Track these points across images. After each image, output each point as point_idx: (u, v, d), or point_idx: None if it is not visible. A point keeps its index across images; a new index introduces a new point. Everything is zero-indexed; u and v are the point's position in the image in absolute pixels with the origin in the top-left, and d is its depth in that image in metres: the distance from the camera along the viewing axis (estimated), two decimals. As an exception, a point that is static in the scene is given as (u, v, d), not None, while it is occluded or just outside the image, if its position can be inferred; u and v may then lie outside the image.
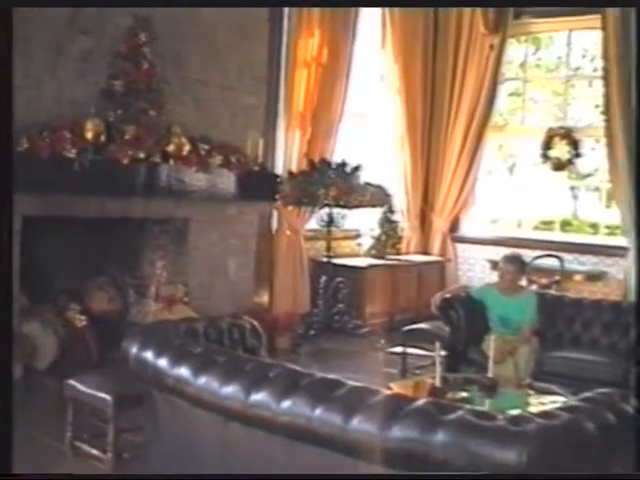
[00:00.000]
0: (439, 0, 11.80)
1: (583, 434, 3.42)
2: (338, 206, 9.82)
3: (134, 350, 4.67)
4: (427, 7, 12.39)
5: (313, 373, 4.01)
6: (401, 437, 3.38)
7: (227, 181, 8.52)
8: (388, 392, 3.80)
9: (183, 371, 4.28)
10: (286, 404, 3.74)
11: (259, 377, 3.98)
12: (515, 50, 13.88)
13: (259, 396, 3.86)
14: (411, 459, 3.38)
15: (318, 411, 3.62)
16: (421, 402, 3.54)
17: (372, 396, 3.62)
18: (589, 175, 16.59)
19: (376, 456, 3.47)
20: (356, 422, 3.49)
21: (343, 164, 9.81)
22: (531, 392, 6.36)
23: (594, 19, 11.53)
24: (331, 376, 4.00)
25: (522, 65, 13.89)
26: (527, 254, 10.90)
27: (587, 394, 3.86)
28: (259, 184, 8.94)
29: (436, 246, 12.84)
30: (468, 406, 3.84)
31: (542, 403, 5.75)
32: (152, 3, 7.99)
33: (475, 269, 12.79)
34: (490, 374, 6.08)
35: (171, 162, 7.86)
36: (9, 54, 3.60)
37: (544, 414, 3.48)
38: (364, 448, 3.50)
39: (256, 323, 5.68)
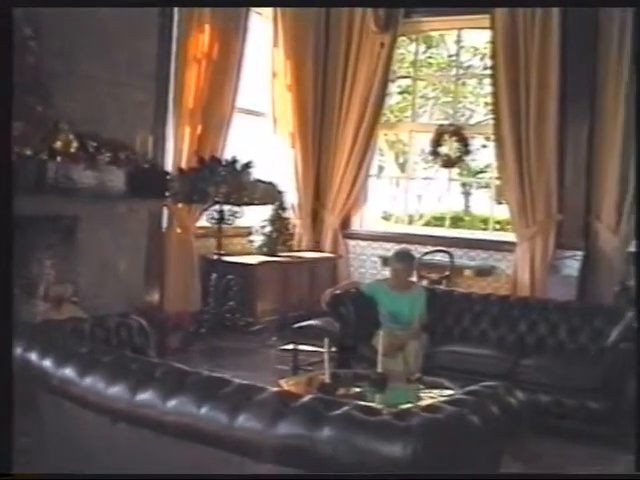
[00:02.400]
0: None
1: (467, 427, 3.47)
2: (228, 203, 9.78)
3: (18, 351, 4.58)
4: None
5: (199, 371, 4.00)
6: (287, 434, 3.39)
7: (116, 178, 8.37)
8: (274, 389, 3.80)
9: (68, 372, 4.22)
10: (172, 403, 3.72)
11: (145, 376, 3.95)
12: (406, 48, 14.03)
13: (145, 396, 3.82)
14: (298, 455, 3.39)
15: (204, 409, 3.60)
16: (307, 399, 3.55)
17: (258, 394, 3.62)
18: (481, 172, 16.89)
19: (263, 453, 3.48)
20: (242, 420, 3.49)
21: (233, 161, 9.77)
22: (421, 386, 6.44)
23: (483, 18, 11.72)
24: (218, 374, 4.00)
25: (413, 63, 14.02)
26: (418, 250, 11.08)
27: (472, 387, 3.93)
28: (149, 181, 8.80)
29: (328, 243, 12.89)
30: (356, 402, 3.86)
31: (432, 397, 5.82)
32: (151, 2, 7.85)
33: (366, 265, 12.89)
34: (379, 369, 6.14)
35: (58, 159, 7.72)
36: (9, 54, 3.56)
37: (429, 408, 3.52)
38: (251, 446, 3.50)
39: (144, 322, 5.63)
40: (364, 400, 5.57)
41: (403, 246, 10.01)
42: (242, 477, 3.54)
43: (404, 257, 8.02)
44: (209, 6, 10.05)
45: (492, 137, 12.04)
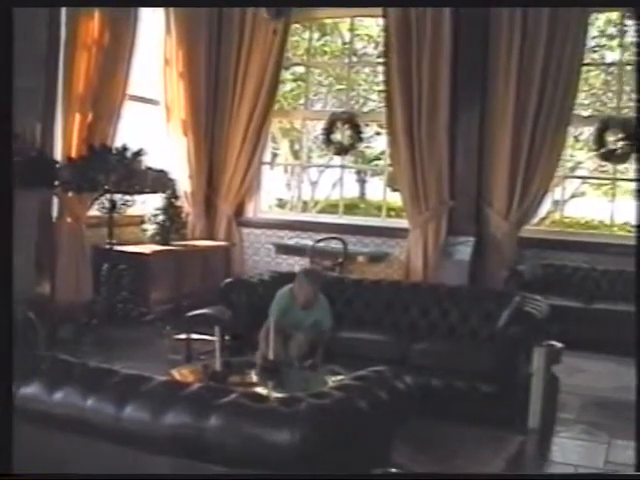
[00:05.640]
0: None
1: (355, 412, 3.49)
2: (119, 192, 9.62)
3: None
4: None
5: (86, 363, 3.94)
6: (175, 423, 3.37)
7: (3, 168, 8.20)
8: (162, 379, 3.77)
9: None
10: (58, 396, 3.66)
11: (31, 370, 3.88)
12: (300, 35, 14.04)
13: (30, 389, 3.76)
14: (187, 444, 3.38)
15: (90, 401, 3.56)
16: (195, 387, 3.54)
17: (146, 384, 3.59)
18: (376, 159, 16.99)
19: (152, 444, 3.45)
20: (129, 410, 3.46)
21: (124, 149, 9.61)
22: (314, 373, 6.46)
23: (376, 6, 11.75)
24: (105, 365, 3.95)
25: (307, 50, 14.03)
26: (312, 237, 11.11)
27: (361, 372, 3.95)
28: (37, 170, 8.65)
29: (221, 231, 12.82)
30: (245, 389, 3.86)
31: (325, 383, 5.83)
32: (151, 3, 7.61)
33: (260, 253, 12.86)
34: (271, 357, 6.15)
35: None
36: (9, 54, 3.48)
37: (316, 394, 3.53)
38: (139, 437, 3.47)
39: (31, 314, 5.54)
40: (255, 388, 5.59)
41: (312, 267, 9.95)
42: (240, 477, 3.49)
43: (314, 279, 7.54)
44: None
45: (385, 125, 12.10)
